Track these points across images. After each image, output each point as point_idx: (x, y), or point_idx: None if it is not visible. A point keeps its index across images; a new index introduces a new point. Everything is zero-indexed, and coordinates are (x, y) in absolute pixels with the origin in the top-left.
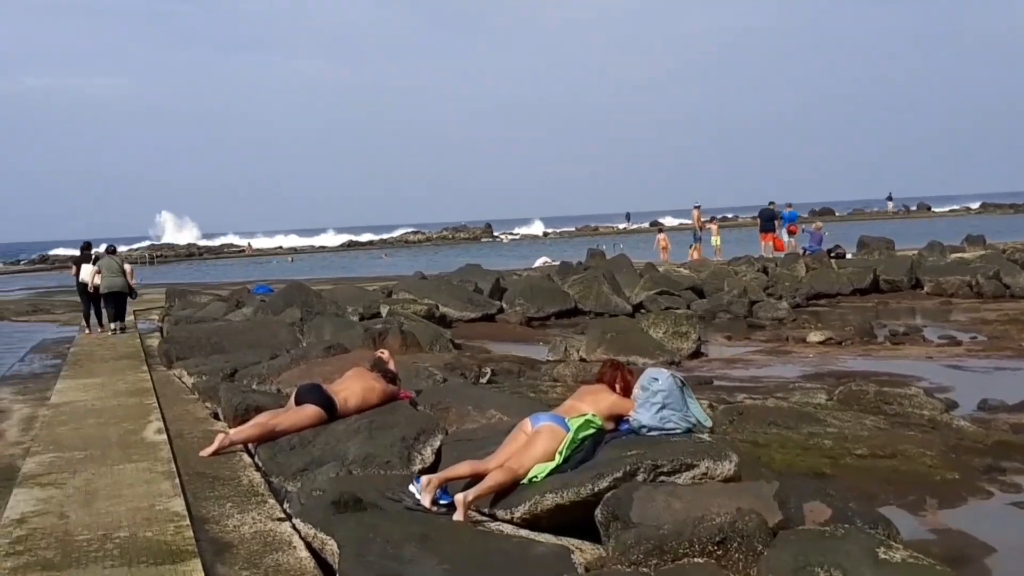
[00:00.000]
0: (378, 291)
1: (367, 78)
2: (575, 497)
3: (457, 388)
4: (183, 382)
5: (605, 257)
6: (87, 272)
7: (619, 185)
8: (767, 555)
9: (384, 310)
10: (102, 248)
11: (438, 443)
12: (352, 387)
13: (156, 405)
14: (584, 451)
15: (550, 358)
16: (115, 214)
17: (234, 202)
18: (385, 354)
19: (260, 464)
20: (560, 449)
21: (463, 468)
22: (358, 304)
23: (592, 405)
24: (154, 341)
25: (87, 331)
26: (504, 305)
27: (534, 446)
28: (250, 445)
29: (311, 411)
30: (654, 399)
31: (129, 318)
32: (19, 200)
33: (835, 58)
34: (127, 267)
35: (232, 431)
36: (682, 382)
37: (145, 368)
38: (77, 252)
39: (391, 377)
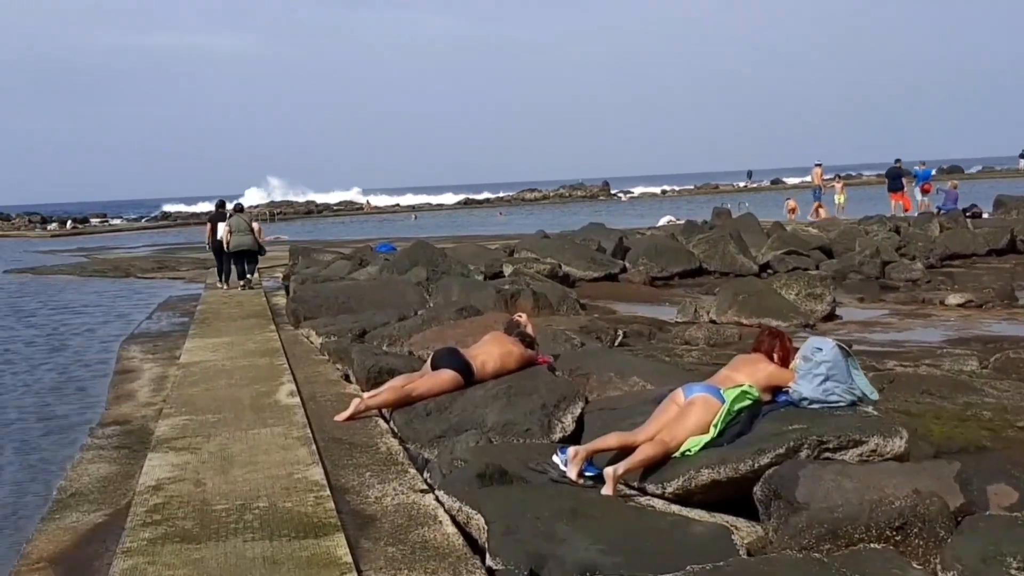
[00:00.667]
0: (500, 250)
1: (488, 31)
2: (733, 473)
3: (596, 353)
4: (311, 342)
5: (731, 216)
6: (222, 230)
7: (740, 142)
8: (951, 542)
9: (507, 269)
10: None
11: (579, 411)
12: (490, 351)
13: (287, 366)
14: (740, 424)
15: (679, 319)
16: (228, 171)
17: (351, 160)
18: (523, 317)
19: (396, 430)
20: (715, 422)
21: (611, 440)
22: (480, 263)
23: (748, 375)
24: (280, 299)
25: (223, 287)
26: (627, 264)
27: (687, 418)
28: (384, 410)
29: (448, 376)
30: (817, 370)
31: (259, 287)
32: (133, 157)
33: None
34: (255, 225)
35: (367, 395)
36: (847, 352)
37: (273, 327)
38: (210, 209)
39: (529, 341)
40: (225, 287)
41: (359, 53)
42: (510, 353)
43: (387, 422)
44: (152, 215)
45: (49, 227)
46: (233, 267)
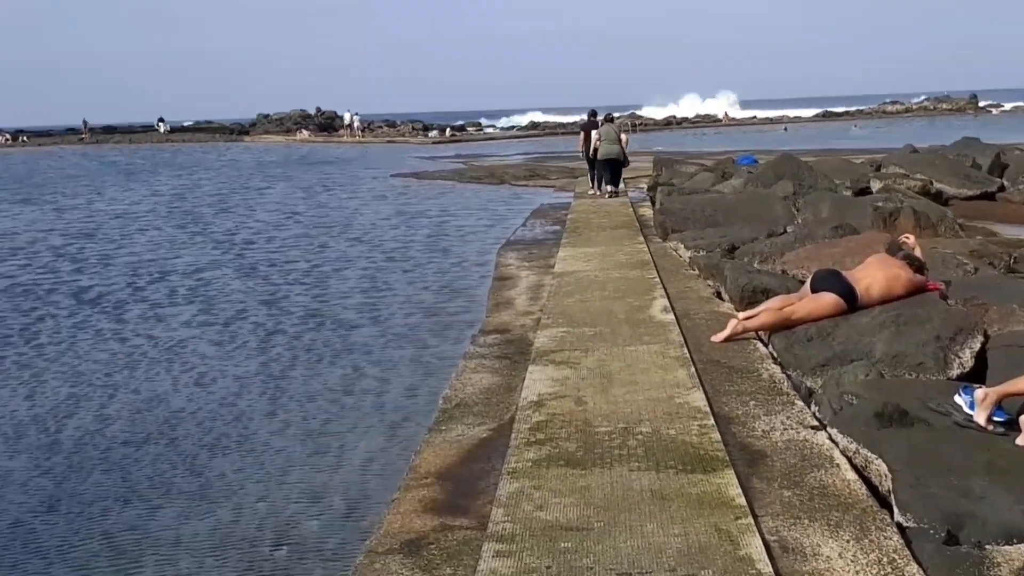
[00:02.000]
0: (865, 163)
1: None
2: None
3: (993, 281)
4: (679, 255)
5: None
6: (594, 138)
7: None
8: None
9: (875, 185)
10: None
11: (978, 346)
12: (874, 275)
13: (658, 280)
14: None
15: None
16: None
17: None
18: (911, 239)
19: (775, 355)
20: None
21: None
22: (845, 177)
23: None
24: (646, 211)
25: (594, 192)
26: (1005, 183)
27: None
28: (762, 333)
29: (830, 299)
30: None
31: (624, 197)
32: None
33: None
34: (623, 136)
35: (741, 315)
36: None
37: (641, 239)
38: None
39: (918, 265)
40: (596, 192)
41: None
42: (897, 277)
43: (765, 345)
44: (520, 125)
45: (430, 134)
46: (600, 174)
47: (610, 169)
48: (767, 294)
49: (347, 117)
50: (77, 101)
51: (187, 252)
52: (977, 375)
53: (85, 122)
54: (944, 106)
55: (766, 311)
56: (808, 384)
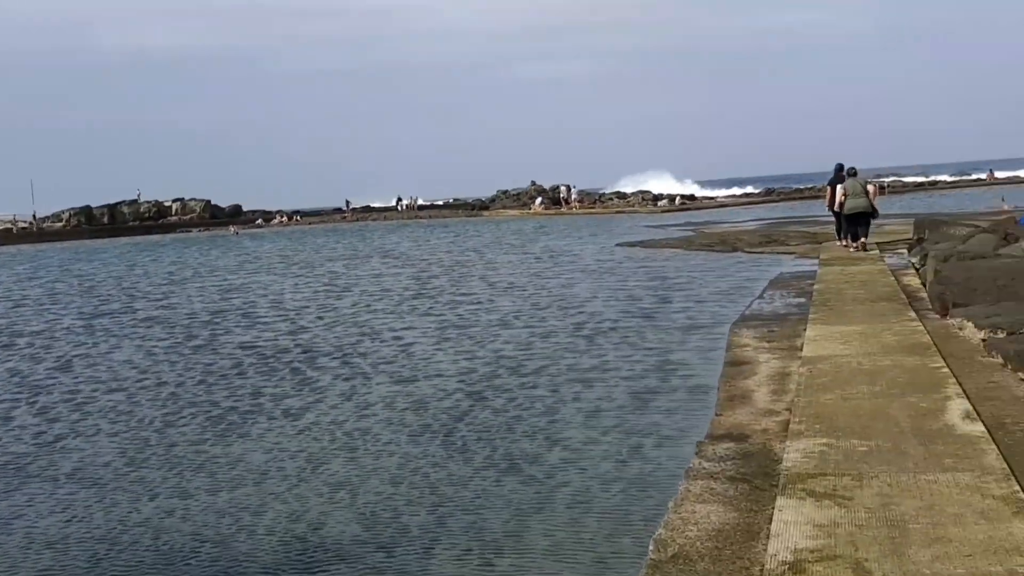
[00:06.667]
0: None
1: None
2: None
3: None
4: (968, 337)
5: None
6: (839, 192)
7: None
8: None
9: None
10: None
11: None
12: None
13: (947, 370)
14: None
15: None
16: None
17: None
18: None
19: None
20: None
21: None
22: None
23: None
24: (910, 279)
25: (841, 244)
26: None
27: None
28: None
29: None
30: None
31: (874, 250)
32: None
33: None
34: (870, 188)
35: None
36: None
37: (912, 314)
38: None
39: None
40: (845, 244)
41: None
42: None
43: None
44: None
45: (659, 204)
46: (847, 228)
47: (857, 222)
48: None
49: (563, 190)
50: (345, 183)
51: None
52: None
53: (347, 202)
54: None
55: None
56: None
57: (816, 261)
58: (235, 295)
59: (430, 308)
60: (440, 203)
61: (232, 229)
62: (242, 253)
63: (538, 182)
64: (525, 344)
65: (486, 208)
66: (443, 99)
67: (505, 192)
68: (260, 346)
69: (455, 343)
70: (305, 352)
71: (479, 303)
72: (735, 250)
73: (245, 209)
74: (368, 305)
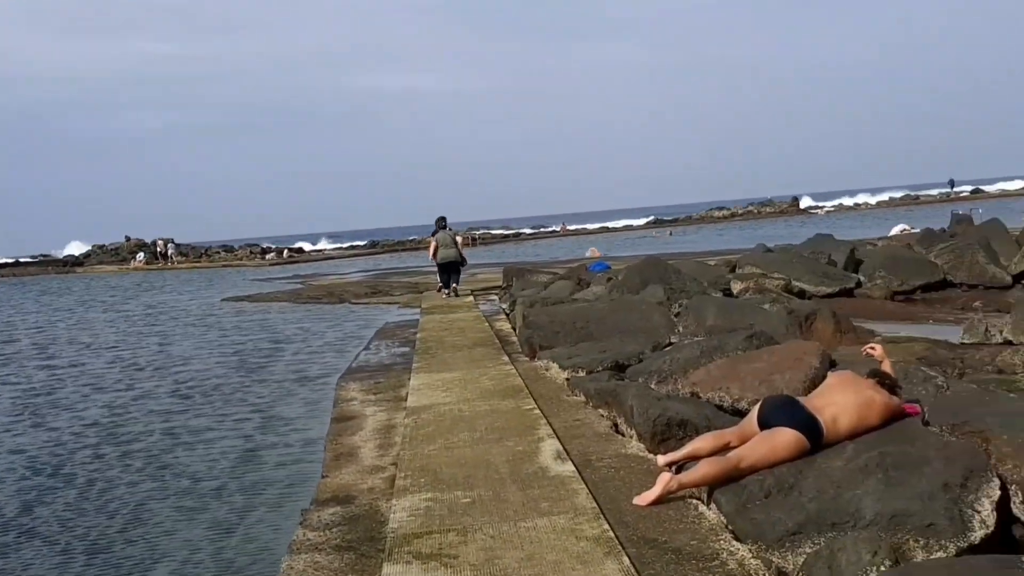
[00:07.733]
0: (720, 265)
1: (666, 60)
2: None
3: (976, 399)
4: (553, 377)
5: (973, 223)
6: (432, 244)
7: (941, 152)
8: None
9: (736, 286)
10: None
11: (997, 494)
12: (840, 400)
13: (538, 411)
14: None
15: (966, 341)
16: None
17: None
18: (877, 351)
19: (726, 521)
20: None
21: None
22: (702, 279)
23: None
24: (502, 324)
25: (444, 294)
26: (862, 278)
27: None
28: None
29: (788, 437)
30: None
31: (468, 296)
32: (355, 192)
33: None
34: (459, 239)
35: (662, 460)
36: None
37: (505, 358)
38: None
39: (891, 384)
40: (444, 293)
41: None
42: (870, 403)
43: (707, 505)
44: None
45: (267, 257)
46: (443, 278)
47: (450, 271)
48: (686, 428)
49: (159, 245)
50: None
51: None
52: (1004, 540)
53: None
54: (768, 209)
55: (707, 462)
56: (778, 563)
57: (418, 310)
58: None
59: (7, 376)
60: (25, 260)
61: None
62: None
63: (133, 237)
64: (120, 408)
65: (80, 264)
66: None
67: (102, 247)
68: None
69: (36, 414)
70: None
71: (72, 366)
72: (342, 301)
73: None
74: None
